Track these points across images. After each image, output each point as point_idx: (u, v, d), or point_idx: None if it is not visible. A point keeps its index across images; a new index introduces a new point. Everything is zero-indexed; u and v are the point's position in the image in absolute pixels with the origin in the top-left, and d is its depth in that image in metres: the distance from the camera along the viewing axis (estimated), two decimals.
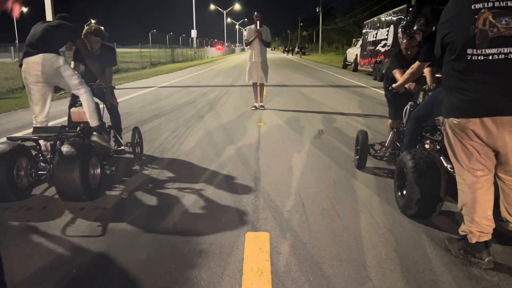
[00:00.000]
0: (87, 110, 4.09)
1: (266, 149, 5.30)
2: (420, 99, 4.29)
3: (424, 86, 3.97)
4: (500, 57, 2.21)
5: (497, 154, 2.42)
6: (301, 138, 5.93)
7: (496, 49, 2.20)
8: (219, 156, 4.92)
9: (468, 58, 2.28)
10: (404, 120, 4.16)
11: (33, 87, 4.04)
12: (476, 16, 2.23)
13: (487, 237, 2.46)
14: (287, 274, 2.35)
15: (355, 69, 22.24)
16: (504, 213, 2.59)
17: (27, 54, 3.96)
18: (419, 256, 2.57)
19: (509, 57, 2.20)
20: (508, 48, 2.19)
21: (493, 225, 2.48)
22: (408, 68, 3.73)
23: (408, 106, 4.12)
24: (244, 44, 8.91)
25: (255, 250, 2.61)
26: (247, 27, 8.59)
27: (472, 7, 2.26)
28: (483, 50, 2.23)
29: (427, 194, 2.93)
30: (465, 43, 2.28)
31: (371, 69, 18.42)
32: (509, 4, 2.19)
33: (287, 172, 4.31)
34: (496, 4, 2.21)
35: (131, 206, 3.37)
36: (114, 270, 2.40)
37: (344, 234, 2.86)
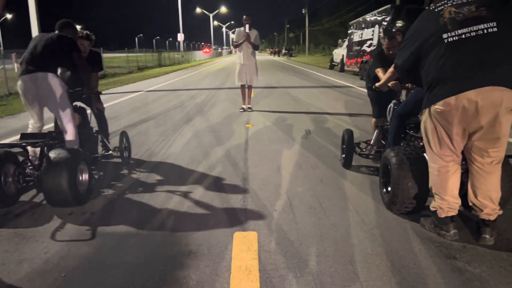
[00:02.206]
0: (67, 141, 3.93)
1: (254, 150, 5.34)
2: (403, 97, 4.37)
3: (407, 84, 4.04)
4: (471, 34, 2.48)
5: (473, 136, 2.59)
6: (288, 139, 5.98)
7: (466, 28, 2.48)
8: (208, 158, 4.95)
9: (445, 41, 2.53)
10: (388, 118, 4.23)
11: (28, 102, 3.97)
12: (441, 13, 2.57)
13: (454, 212, 2.76)
14: (274, 272, 2.39)
15: (342, 70, 22.41)
16: (471, 198, 2.74)
17: (25, 72, 3.83)
18: (404, 250, 2.63)
19: (479, 33, 2.47)
20: (477, 26, 2.47)
21: (459, 202, 2.79)
22: (390, 67, 3.80)
23: (391, 104, 4.19)
24: (232, 46, 8.95)
25: (243, 249, 2.65)
26: (236, 29, 8.65)
27: (436, 10, 2.64)
28: (456, 32, 2.51)
29: (411, 190, 2.99)
30: (439, 30, 2.56)
31: (357, 69, 18.59)
32: (464, 1, 2.56)
33: (275, 172, 4.36)
34: (454, 2, 2.57)
35: (120, 210, 3.38)
36: (104, 273, 2.41)
37: (331, 231, 2.91)
